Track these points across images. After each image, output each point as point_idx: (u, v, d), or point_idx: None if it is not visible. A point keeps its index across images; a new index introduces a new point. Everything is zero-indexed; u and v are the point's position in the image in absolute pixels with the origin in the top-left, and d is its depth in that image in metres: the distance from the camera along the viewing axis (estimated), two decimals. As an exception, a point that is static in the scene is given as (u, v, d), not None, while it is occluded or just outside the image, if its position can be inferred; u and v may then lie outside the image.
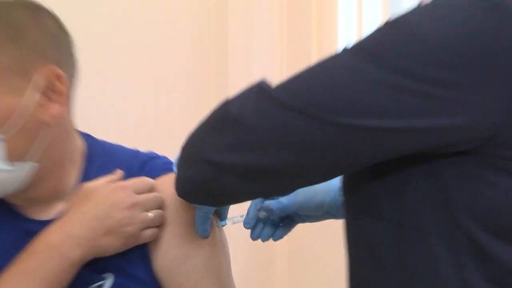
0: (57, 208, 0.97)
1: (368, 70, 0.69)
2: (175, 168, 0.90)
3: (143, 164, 1.00)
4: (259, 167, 0.75)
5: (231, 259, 1.04)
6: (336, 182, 0.96)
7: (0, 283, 0.88)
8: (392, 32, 0.71)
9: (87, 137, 1.02)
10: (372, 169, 0.77)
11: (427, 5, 0.72)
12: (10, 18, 0.90)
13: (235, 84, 2.03)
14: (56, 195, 0.97)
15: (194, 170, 0.82)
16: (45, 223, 0.92)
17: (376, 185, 0.78)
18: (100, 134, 1.04)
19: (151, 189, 0.95)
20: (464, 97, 0.68)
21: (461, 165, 0.72)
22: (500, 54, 0.68)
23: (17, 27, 0.89)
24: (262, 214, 0.99)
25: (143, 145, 1.08)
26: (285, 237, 1.05)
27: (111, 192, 0.92)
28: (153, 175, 0.98)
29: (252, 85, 0.78)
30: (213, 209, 0.95)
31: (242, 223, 1.01)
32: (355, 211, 0.82)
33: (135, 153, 1.02)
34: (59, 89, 0.91)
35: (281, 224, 1.03)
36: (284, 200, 0.97)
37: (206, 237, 0.96)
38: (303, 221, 1.03)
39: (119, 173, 0.96)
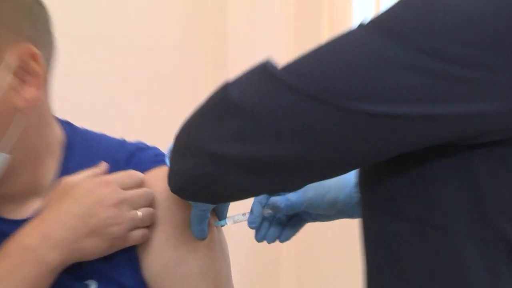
0: (33, 206, 0.97)
1: (390, 50, 0.69)
2: (167, 161, 0.91)
3: (130, 156, 1.00)
4: (264, 159, 0.76)
5: (231, 263, 1.04)
6: (351, 177, 0.97)
7: None
8: (415, 6, 0.70)
9: (66, 125, 1.02)
10: (393, 162, 0.77)
11: None
12: None
13: (235, 66, 2.03)
14: (32, 191, 0.97)
15: (190, 162, 0.82)
16: (19, 223, 0.92)
17: (397, 180, 0.78)
18: (83, 123, 1.05)
19: (140, 184, 0.96)
20: (501, 80, 0.68)
21: (495, 157, 0.72)
22: None
23: None
24: (267, 212, 1.00)
25: (130, 135, 1.08)
26: (292, 238, 1.05)
27: (95, 188, 0.91)
28: (142, 168, 0.98)
29: (255, 66, 0.77)
30: (211, 206, 0.95)
31: (243, 223, 1.01)
32: (373, 210, 0.82)
33: (122, 143, 1.03)
34: (34, 70, 0.91)
35: (287, 224, 1.04)
36: (293, 196, 0.97)
37: (203, 238, 0.96)
38: (313, 220, 1.04)
39: (103, 165, 0.96)
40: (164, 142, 0.99)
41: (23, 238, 0.89)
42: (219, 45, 2.15)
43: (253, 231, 1.02)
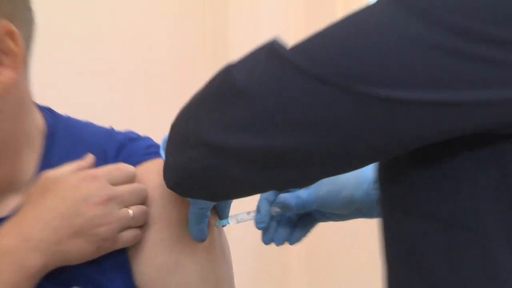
0: (10, 203, 0.97)
1: (414, 28, 0.69)
2: (162, 153, 0.91)
3: (120, 147, 1.00)
4: (272, 151, 0.75)
5: (234, 267, 1.05)
6: (369, 172, 0.97)
7: None
8: None
9: (48, 112, 1.02)
10: (416, 155, 0.77)
11: None
12: None
13: (238, 45, 2.03)
14: (9, 187, 0.97)
15: (188, 154, 0.82)
16: (-5, 223, 0.92)
17: (422, 175, 0.77)
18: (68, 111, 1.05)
19: (131, 179, 0.95)
20: None
21: None
22: None
23: None
24: (275, 211, 1.00)
25: (120, 124, 1.08)
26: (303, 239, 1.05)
27: (80, 183, 0.91)
28: (134, 161, 0.98)
29: (262, 46, 0.77)
30: (211, 204, 0.95)
31: (248, 222, 1.01)
32: (394, 209, 0.81)
33: (110, 133, 1.03)
34: (11, 50, 0.90)
35: (298, 224, 1.04)
36: (304, 194, 0.98)
37: (202, 240, 0.97)
38: (326, 219, 1.04)
39: (89, 158, 0.96)
40: (159, 133, 0.98)
41: (0, 239, 0.89)
42: (218, 19, 2.15)
43: (258, 232, 1.02)
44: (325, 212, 1.01)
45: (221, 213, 1.01)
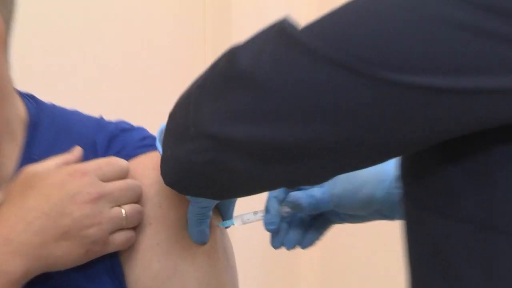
0: None
1: (438, 7, 0.69)
2: (159, 145, 0.92)
3: (111, 139, 1.01)
4: (282, 144, 0.75)
5: (238, 273, 1.05)
6: (390, 169, 0.97)
7: None
8: None
9: (30, 100, 1.02)
10: (444, 150, 0.77)
11: None
12: None
13: (241, 27, 2.03)
14: None
15: (187, 147, 0.82)
16: (-28, 223, 0.92)
17: (450, 171, 0.77)
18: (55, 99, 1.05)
19: (123, 175, 0.96)
20: None
21: None
22: None
23: None
24: (285, 211, 1.00)
25: (111, 113, 1.08)
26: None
27: (66, 179, 0.91)
28: (127, 155, 0.99)
29: (270, 26, 0.77)
30: (213, 203, 0.96)
31: (255, 223, 1.01)
32: (420, 209, 0.81)
33: (100, 123, 1.04)
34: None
35: (310, 225, 1.04)
36: (317, 192, 0.98)
37: (203, 243, 0.97)
38: (342, 221, 1.05)
39: (77, 151, 0.96)
40: (155, 124, 0.98)
41: None
42: (218, 19, 2.19)
43: (266, 234, 1.03)
44: (340, 213, 1.02)
45: (225, 213, 1.01)
